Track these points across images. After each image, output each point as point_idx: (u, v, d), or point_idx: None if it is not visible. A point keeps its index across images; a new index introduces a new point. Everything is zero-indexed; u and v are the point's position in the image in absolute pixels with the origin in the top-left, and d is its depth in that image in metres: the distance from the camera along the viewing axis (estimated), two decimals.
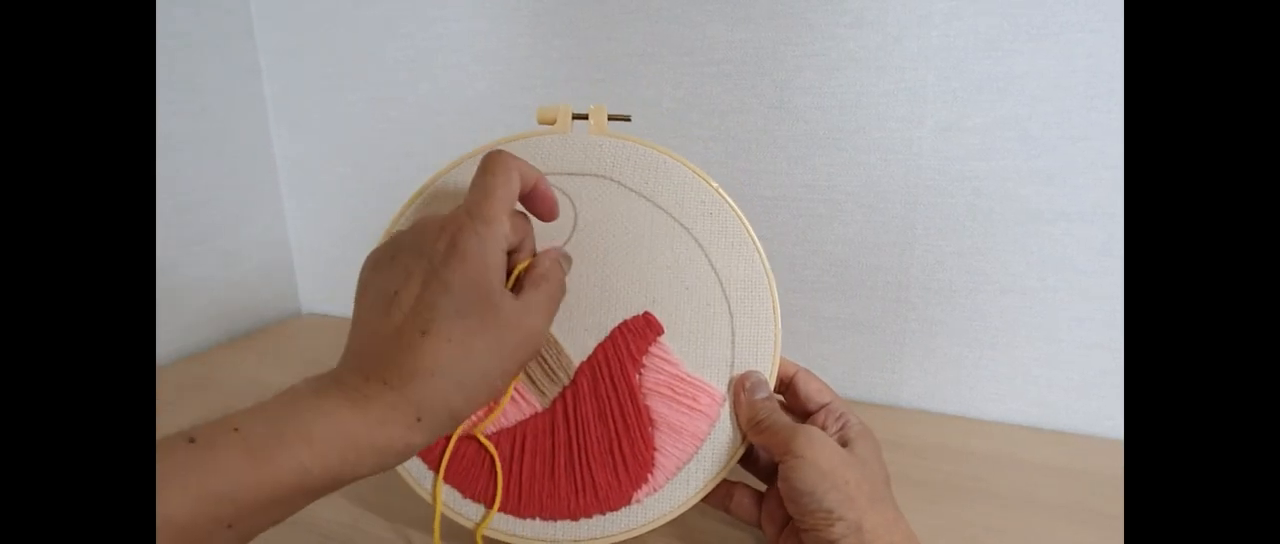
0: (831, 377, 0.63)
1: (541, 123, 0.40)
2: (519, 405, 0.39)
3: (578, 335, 0.38)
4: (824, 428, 0.36)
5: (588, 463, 0.38)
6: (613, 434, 0.38)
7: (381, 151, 0.78)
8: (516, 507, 0.38)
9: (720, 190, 0.39)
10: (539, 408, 0.38)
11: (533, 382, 0.39)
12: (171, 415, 0.58)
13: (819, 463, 0.32)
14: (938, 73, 0.54)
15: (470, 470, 0.39)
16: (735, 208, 0.39)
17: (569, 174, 0.39)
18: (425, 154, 0.76)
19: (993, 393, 0.59)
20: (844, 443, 0.35)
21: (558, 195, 0.38)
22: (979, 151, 0.54)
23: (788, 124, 0.59)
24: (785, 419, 0.35)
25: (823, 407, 0.38)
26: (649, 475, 0.37)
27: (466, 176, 0.39)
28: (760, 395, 0.37)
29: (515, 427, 0.38)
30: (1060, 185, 0.53)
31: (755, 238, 0.38)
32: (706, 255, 0.38)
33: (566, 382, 0.38)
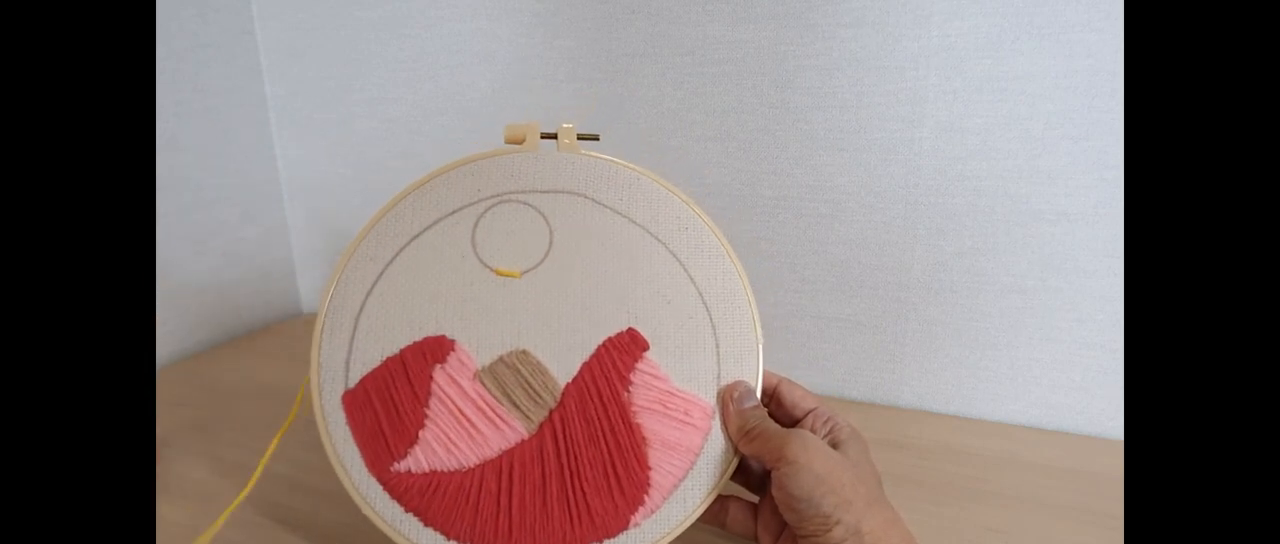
0: (831, 376, 0.64)
1: (509, 142, 0.39)
2: (502, 431, 0.36)
3: (561, 354, 0.37)
4: (812, 432, 0.36)
5: (582, 489, 0.36)
6: (606, 456, 0.36)
7: (382, 152, 0.78)
8: None
9: (692, 205, 0.39)
10: (524, 433, 0.36)
11: (515, 404, 0.36)
12: (172, 415, 0.58)
13: (814, 467, 0.32)
14: (938, 73, 0.54)
15: (453, 509, 0.36)
16: (708, 221, 0.39)
17: (542, 192, 0.39)
18: (425, 155, 0.76)
19: (993, 393, 0.59)
20: (834, 445, 0.35)
21: (532, 213, 0.38)
22: (980, 151, 0.54)
23: (788, 124, 0.59)
24: (775, 426, 0.35)
25: (809, 412, 0.38)
26: (645, 496, 0.36)
27: (441, 192, 0.38)
28: (748, 404, 0.36)
29: (500, 456, 0.36)
30: (1061, 185, 0.53)
31: (730, 250, 0.39)
32: (685, 269, 0.38)
33: (552, 404, 0.37)
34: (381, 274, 0.37)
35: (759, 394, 0.38)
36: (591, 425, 0.36)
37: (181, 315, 0.74)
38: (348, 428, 0.36)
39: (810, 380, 0.65)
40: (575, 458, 0.36)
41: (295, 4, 0.76)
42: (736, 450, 0.37)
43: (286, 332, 0.82)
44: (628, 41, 0.62)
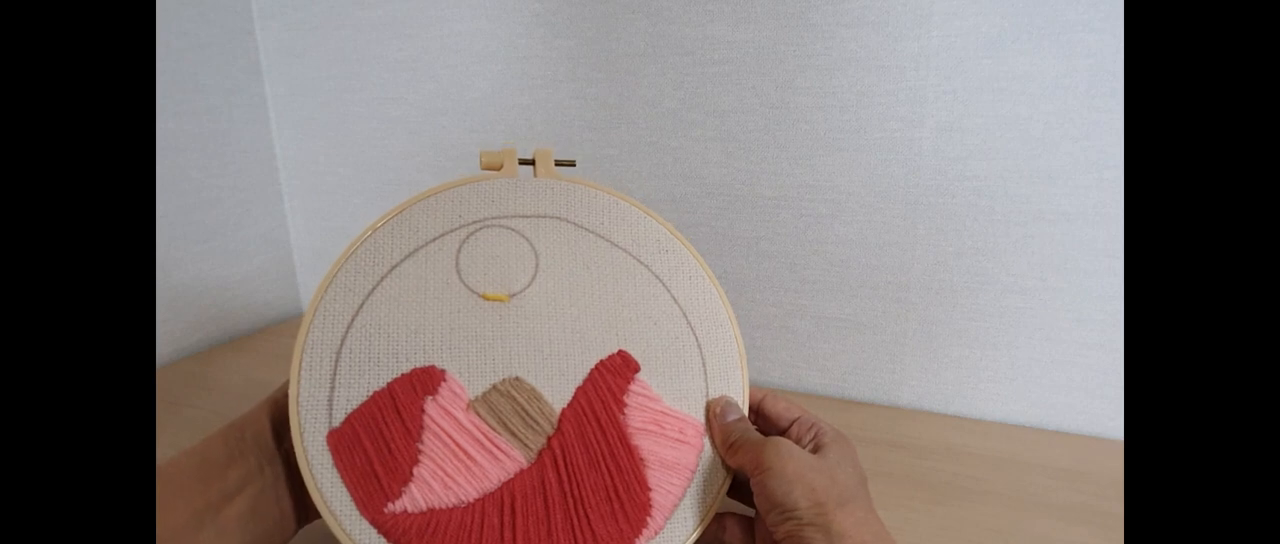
0: (831, 376, 0.64)
1: (486, 168, 0.39)
2: (501, 462, 0.35)
3: (553, 379, 0.37)
4: (798, 440, 0.36)
5: (586, 515, 0.35)
6: (608, 480, 0.35)
7: (382, 152, 0.78)
8: None
9: (670, 227, 0.40)
10: (523, 462, 0.35)
11: (513, 433, 0.35)
12: (171, 415, 0.58)
13: (786, 471, 0.32)
14: (938, 73, 0.54)
15: None
16: (686, 243, 0.40)
17: (524, 216, 0.39)
18: (426, 154, 0.76)
19: (993, 393, 0.59)
20: (816, 450, 0.35)
21: (516, 238, 0.38)
22: (980, 151, 0.54)
23: (788, 124, 0.59)
24: (756, 435, 0.35)
25: (794, 421, 0.38)
26: (648, 518, 0.35)
27: (419, 219, 0.38)
28: (732, 417, 0.37)
29: (500, 489, 0.34)
30: (1061, 185, 0.53)
31: (709, 271, 0.40)
32: (668, 290, 0.39)
33: (550, 430, 0.36)
34: (361, 306, 0.36)
35: (745, 409, 0.38)
36: (591, 450, 0.36)
37: (181, 315, 0.74)
38: (335, 470, 0.34)
39: (810, 380, 0.65)
40: (577, 484, 0.35)
41: (295, 4, 0.76)
42: (725, 464, 0.37)
43: (286, 332, 0.81)
44: (628, 41, 0.62)
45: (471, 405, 0.36)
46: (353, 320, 0.36)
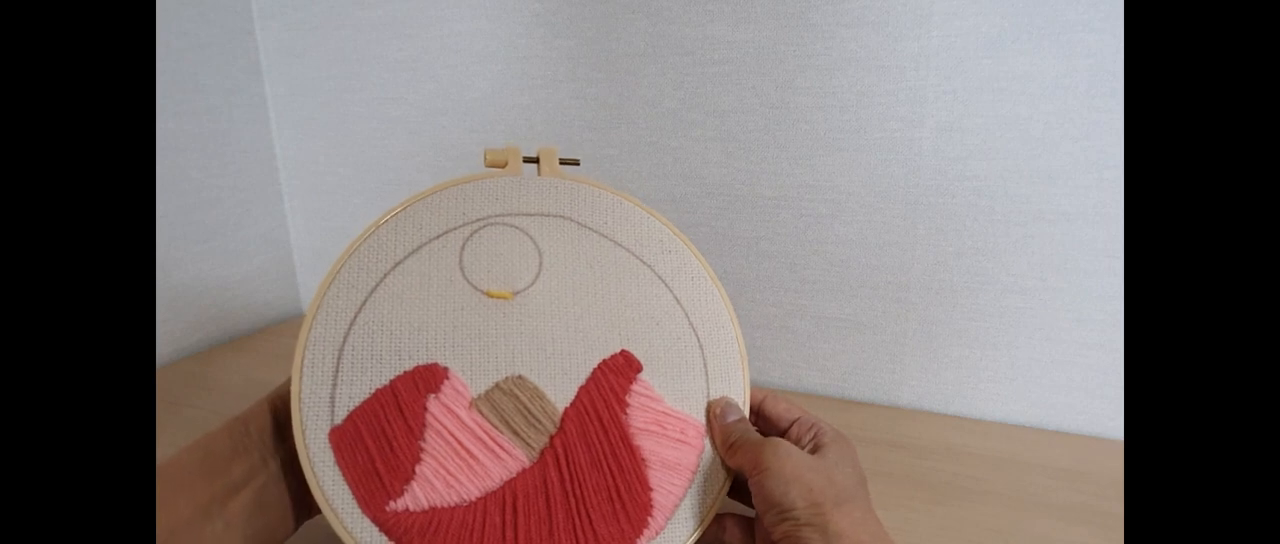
0: (831, 376, 0.64)
1: (490, 166, 0.40)
2: (503, 461, 0.35)
3: (556, 378, 0.37)
4: (798, 441, 0.36)
5: (588, 515, 0.35)
6: (610, 480, 0.35)
7: (382, 152, 0.78)
8: None
9: (673, 228, 0.40)
10: (526, 461, 0.35)
11: (515, 432, 0.35)
12: (171, 415, 0.58)
13: (783, 472, 0.32)
14: (938, 73, 0.54)
15: None
16: (689, 243, 0.40)
17: (528, 214, 0.39)
18: (426, 154, 0.76)
19: (993, 393, 0.59)
20: (816, 450, 0.35)
21: (520, 235, 0.38)
22: (980, 151, 0.54)
23: (788, 124, 0.59)
24: (755, 436, 0.35)
25: (794, 422, 0.38)
26: (649, 518, 0.35)
27: (422, 216, 0.38)
28: (732, 418, 0.37)
29: (502, 488, 0.34)
30: (1061, 185, 0.53)
31: (711, 272, 0.40)
32: (670, 290, 0.39)
33: (552, 429, 0.36)
34: (364, 303, 0.36)
35: (746, 410, 0.38)
36: (593, 449, 0.36)
37: (181, 315, 0.74)
38: (337, 467, 0.33)
39: (810, 380, 0.65)
40: (579, 484, 0.35)
41: (295, 4, 0.76)
42: (725, 465, 0.37)
43: (286, 332, 0.81)
44: (628, 41, 0.62)
45: (474, 403, 0.36)
46: (355, 317, 0.36)
